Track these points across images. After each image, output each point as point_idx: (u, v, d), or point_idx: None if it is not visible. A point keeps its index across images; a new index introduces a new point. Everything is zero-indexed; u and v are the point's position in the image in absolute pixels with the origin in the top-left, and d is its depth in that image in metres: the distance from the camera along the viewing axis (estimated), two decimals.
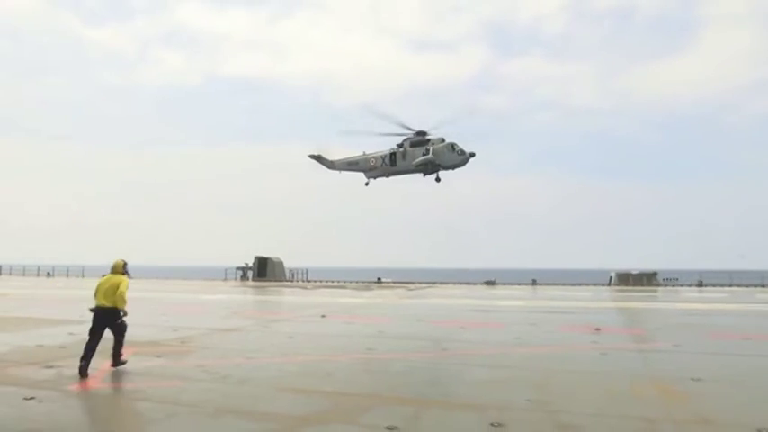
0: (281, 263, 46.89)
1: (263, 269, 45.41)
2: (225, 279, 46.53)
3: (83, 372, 7.99)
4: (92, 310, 8.71)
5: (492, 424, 5.70)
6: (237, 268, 47.60)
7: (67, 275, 51.53)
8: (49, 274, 53.21)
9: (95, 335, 8.50)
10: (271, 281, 43.47)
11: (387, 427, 5.55)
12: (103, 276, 9.05)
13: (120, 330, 8.72)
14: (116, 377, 8.01)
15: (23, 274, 53.37)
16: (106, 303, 8.61)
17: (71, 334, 12.21)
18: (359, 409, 6.38)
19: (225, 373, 8.32)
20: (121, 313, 8.67)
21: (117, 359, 8.69)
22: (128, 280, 9.02)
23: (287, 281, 45.13)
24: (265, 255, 46.57)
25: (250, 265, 46.56)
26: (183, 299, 25.25)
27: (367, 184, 35.20)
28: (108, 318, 8.59)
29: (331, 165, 35.80)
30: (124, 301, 8.61)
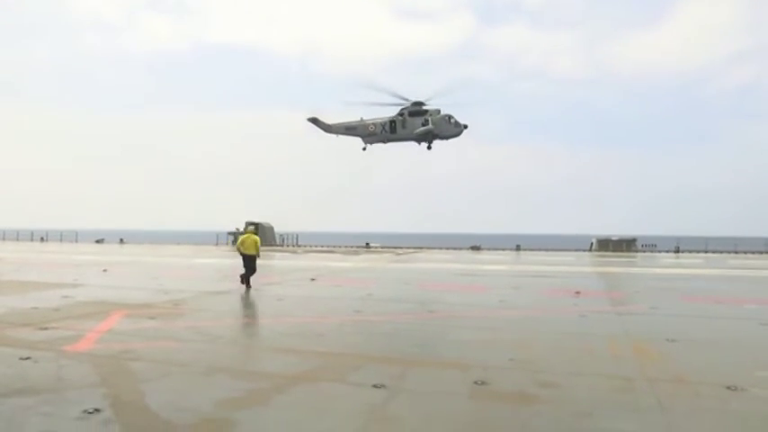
0: (271, 228, 46.98)
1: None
2: (216, 244, 46.63)
3: (242, 282, 14.53)
4: (241, 254, 15.06)
5: (476, 382, 5.93)
6: (229, 233, 47.63)
7: (61, 240, 51.30)
8: (42, 239, 52.97)
9: (247, 270, 14.76)
10: (261, 246, 43.60)
11: (374, 386, 5.76)
12: (243, 235, 15.53)
13: (254, 267, 14.90)
14: (110, 338, 8.17)
15: (17, 239, 53.04)
16: (249, 252, 14.95)
17: (65, 297, 12.35)
18: (348, 368, 6.60)
19: (217, 334, 8.53)
20: (257, 257, 15.04)
21: (247, 282, 14.57)
22: (257, 237, 15.51)
23: (277, 245, 45.30)
24: (256, 220, 46.61)
25: (241, 230, 46.59)
26: (175, 263, 25.36)
27: (364, 149, 35.97)
28: (251, 260, 14.89)
29: (328, 128, 36.05)
30: (259, 250, 15.22)
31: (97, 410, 4.91)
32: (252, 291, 14.43)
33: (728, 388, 5.71)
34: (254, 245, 14.99)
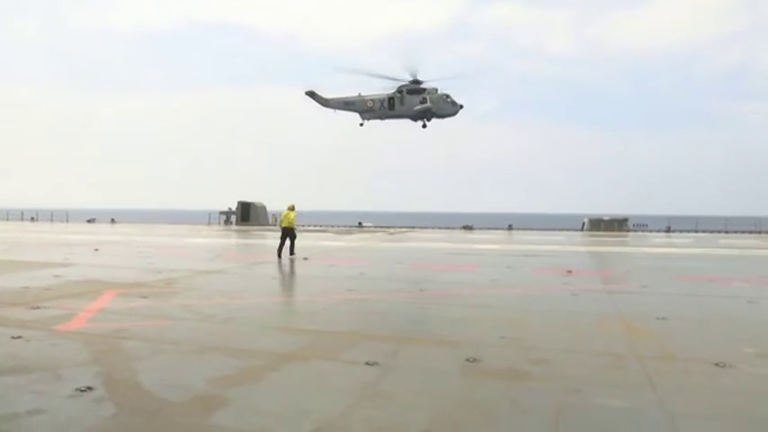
0: (263, 207, 46.86)
1: (246, 214, 45.37)
2: (209, 223, 46.47)
3: (278, 255, 16.98)
4: (282, 227, 18.15)
5: (467, 359, 5.98)
6: (221, 213, 47.47)
7: (52, 220, 50.88)
8: (33, 218, 52.52)
9: (283, 240, 17.51)
10: (254, 225, 43.52)
11: (367, 363, 5.80)
12: (283, 213, 18.71)
13: (294, 237, 17.70)
14: (102, 317, 8.15)
15: (7, 219, 52.56)
16: (288, 225, 17.91)
17: (56, 276, 12.29)
18: (340, 346, 6.63)
19: (210, 313, 8.53)
20: (294, 230, 17.90)
21: (292, 252, 17.43)
22: (295, 213, 18.42)
23: (270, 225, 45.22)
24: (248, 199, 46.46)
25: (233, 209, 46.47)
26: (168, 242, 25.28)
27: (362, 124, 36.52)
28: (290, 232, 17.69)
29: (325, 102, 36.08)
30: (293, 224, 18.01)
31: (90, 388, 4.91)
32: (245, 270, 14.44)
33: (717, 364, 5.78)
34: (289, 220, 18.28)
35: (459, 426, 4.25)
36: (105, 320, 7.94)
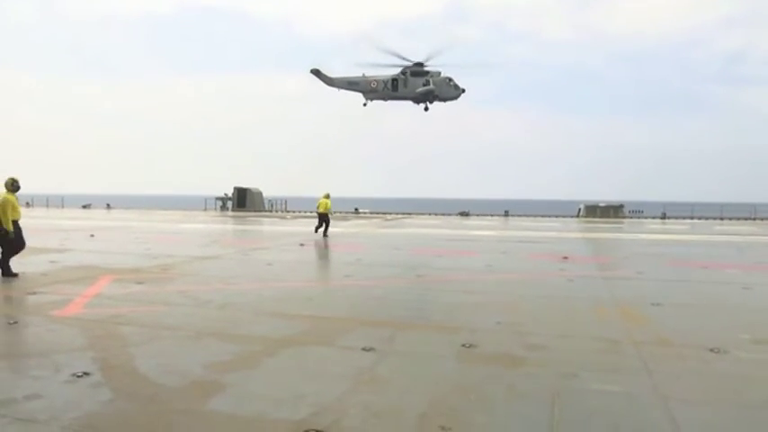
0: (259, 193, 46.78)
1: (243, 199, 45.29)
2: (205, 209, 46.38)
3: (316, 231, 20.52)
4: (318, 213, 20.96)
5: (463, 345, 5.99)
6: (217, 198, 47.36)
7: (47, 206, 50.62)
8: (28, 204, 52.24)
9: (320, 223, 20.49)
10: (250, 211, 43.45)
11: (363, 348, 5.82)
12: (319, 200, 20.99)
13: (328, 221, 20.57)
14: (98, 303, 8.14)
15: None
16: (323, 211, 20.53)
17: (52, 262, 12.26)
18: (337, 331, 6.64)
19: (206, 299, 8.52)
20: (329, 215, 20.66)
21: (325, 233, 19.99)
22: (328, 200, 20.75)
23: (266, 211, 45.16)
24: (244, 185, 46.33)
25: (229, 195, 46.36)
26: (164, 228, 25.22)
27: (365, 104, 36.75)
28: (325, 217, 20.46)
29: (330, 81, 36.12)
30: (330, 210, 20.76)
31: (86, 374, 4.91)
32: (241, 255, 14.43)
33: (712, 350, 5.81)
34: (324, 206, 20.77)
35: (456, 411, 4.27)
36: (101, 306, 7.93)
